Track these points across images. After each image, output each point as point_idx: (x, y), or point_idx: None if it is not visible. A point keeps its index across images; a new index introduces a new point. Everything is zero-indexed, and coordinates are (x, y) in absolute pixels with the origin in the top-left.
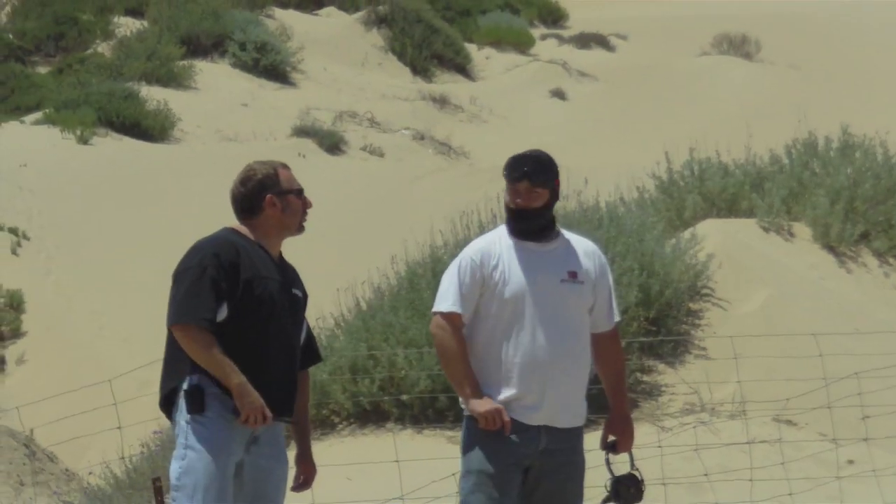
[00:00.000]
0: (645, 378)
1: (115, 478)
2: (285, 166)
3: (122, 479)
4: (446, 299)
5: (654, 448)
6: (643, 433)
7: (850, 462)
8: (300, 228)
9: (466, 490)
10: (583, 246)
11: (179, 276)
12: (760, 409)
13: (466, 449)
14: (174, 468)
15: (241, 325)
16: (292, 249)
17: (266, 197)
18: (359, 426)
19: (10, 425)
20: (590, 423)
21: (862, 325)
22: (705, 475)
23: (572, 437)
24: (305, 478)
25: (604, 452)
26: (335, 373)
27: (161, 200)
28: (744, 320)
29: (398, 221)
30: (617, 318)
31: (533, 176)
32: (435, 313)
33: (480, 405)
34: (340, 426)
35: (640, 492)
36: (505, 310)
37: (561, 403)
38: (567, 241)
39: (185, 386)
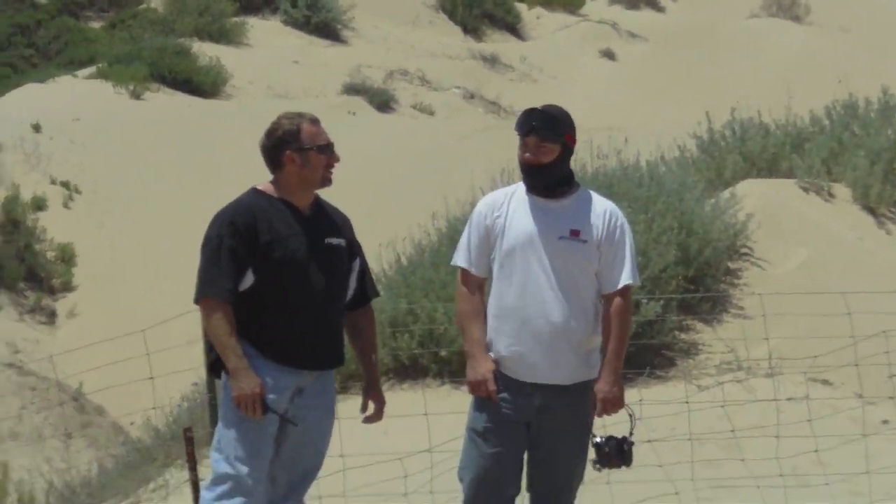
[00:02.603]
0: (682, 336)
1: (154, 429)
2: (313, 121)
3: (162, 431)
4: (458, 253)
5: (682, 404)
6: (676, 391)
7: (885, 422)
8: (324, 183)
9: (463, 446)
10: (599, 205)
11: (202, 248)
12: (794, 367)
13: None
14: (217, 427)
15: (267, 287)
16: (338, 204)
17: (286, 153)
18: (398, 381)
19: (60, 378)
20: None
21: None
22: (732, 431)
23: (572, 395)
24: (375, 410)
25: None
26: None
27: (212, 156)
28: (782, 280)
29: (444, 179)
30: (628, 282)
31: (541, 130)
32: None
33: (470, 371)
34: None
35: (622, 454)
36: (504, 263)
37: (554, 361)
38: (581, 199)
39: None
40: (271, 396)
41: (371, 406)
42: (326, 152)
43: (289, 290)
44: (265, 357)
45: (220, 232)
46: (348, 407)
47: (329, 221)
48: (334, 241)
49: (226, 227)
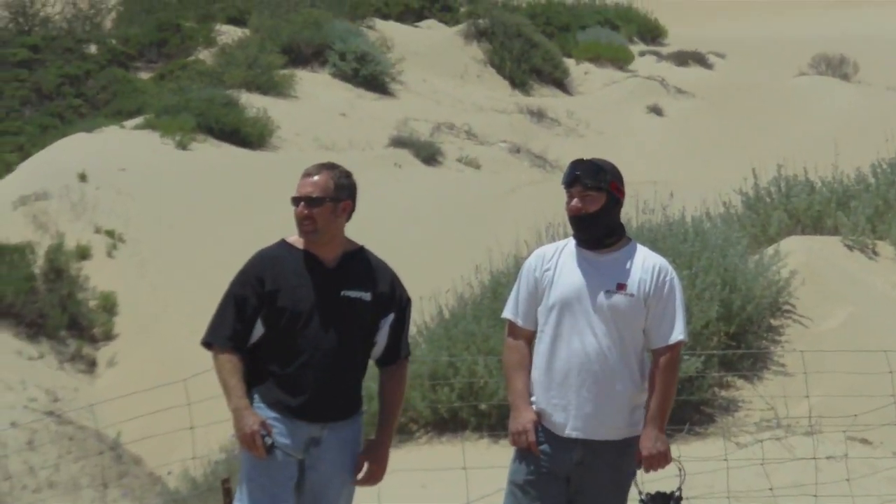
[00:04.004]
0: (722, 393)
1: (191, 480)
2: (307, 172)
3: (199, 481)
4: (507, 306)
5: (720, 461)
6: (715, 448)
7: None
8: (302, 236)
9: (504, 499)
10: (648, 260)
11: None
12: (834, 426)
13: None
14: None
15: (274, 337)
16: (383, 257)
17: None
18: (436, 434)
19: (98, 427)
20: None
21: None
22: (770, 489)
23: (612, 451)
24: (369, 471)
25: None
26: (415, 380)
27: (257, 207)
28: (824, 337)
29: (489, 232)
30: (679, 338)
31: (584, 179)
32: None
33: (512, 422)
34: (418, 433)
35: None
36: (550, 315)
37: (597, 416)
38: (630, 253)
39: None
40: (282, 440)
41: (365, 467)
42: (294, 204)
43: (294, 340)
44: (270, 408)
45: (233, 282)
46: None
47: (355, 274)
48: (354, 293)
49: (237, 277)
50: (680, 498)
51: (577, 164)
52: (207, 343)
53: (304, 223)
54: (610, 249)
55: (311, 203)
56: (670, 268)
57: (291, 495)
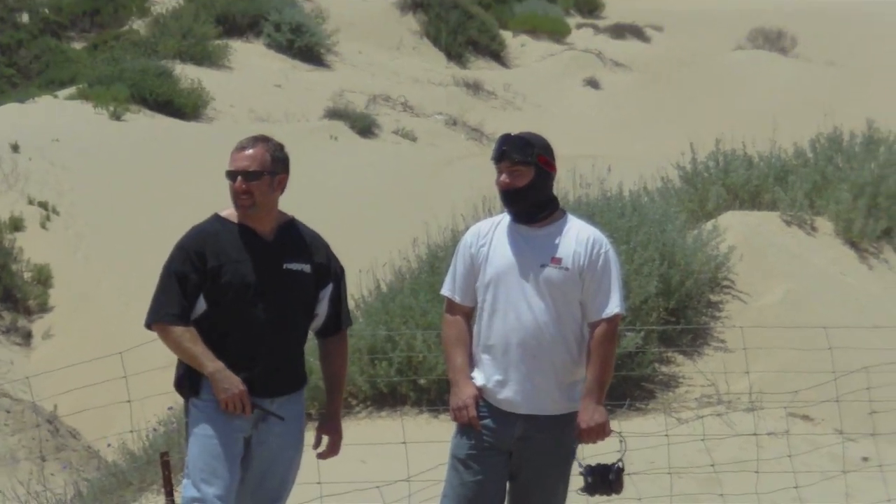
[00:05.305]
0: (662, 368)
1: (130, 453)
2: (240, 146)
3: (137, 455)
4: (445, 282)
5: (661, 437)
6: (656, 424)
7: (865, 459)
8: (239, 210)
9: (446, 474)
10: (583, 233)
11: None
12: (776, 402)
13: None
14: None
15: (218, 313)
16: (317, 229)
17: None
18: (376, 409)
19: (35, 400)
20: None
21: (881, 321)
22: (711, 465)
23: (554, 426)
24: (329, 444)
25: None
26: (353, 354)
27: (192, 178)
28: (764, 313)
29: (425, 205)
30: (615, 311)
31: (512, 153)
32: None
33: (453, 397)
34: (357, 409)
35: (610, 482)
36: (487, 291)
37: (537, 391)
38: (564, 227)
39: (180, 370)
40: (236, 421)
41: (325, 440)
42: (230, 179)
43: (239, 316)
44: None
45: (171, 258)
46: None
47: (293, 246)
48: (295, 266)
49: (175, 253)
50: (621, 469)
51: (505, 139)
52: (154, 322)
53: (241, 198)
54: (544, 223)
55: (249, 177)
56: (605, 240)
57: (238, 471)
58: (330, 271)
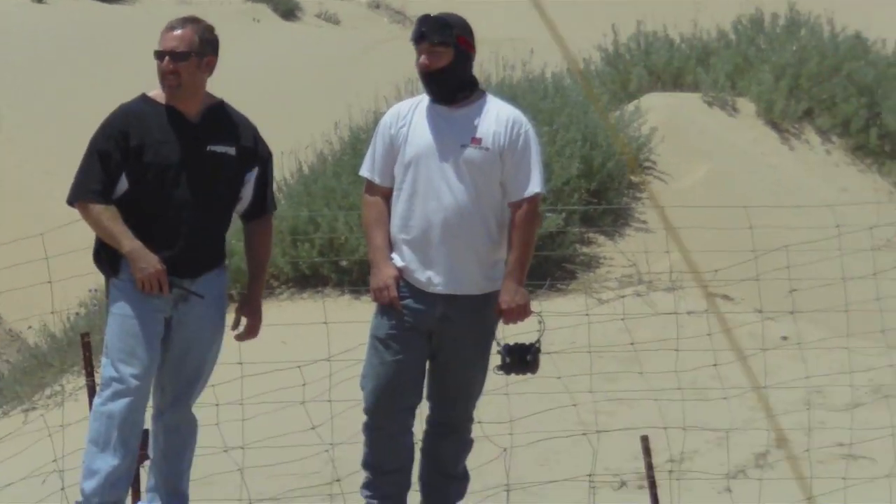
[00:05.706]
0: (584, 249)
1: (51, 335)
2: (170, 26)
3: (58, 336)
4: (364, 163)
5: (582, 317)
6: (577, 304)
7: (784, 338)
8: (166, 91)
9: (366, 354)
10: (503, 113)
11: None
12: (696, 282)
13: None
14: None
15: (139, 193)
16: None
17: None
18: (298, 290)
19: None
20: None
21: (801, 201)
22: (632, 344)
23: (474, 306)
24: (248, 326)
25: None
26: (275, 236)
27: (116, 62)
28: (685, 194)
29: (348, 89)
30: (535, 191)
31: (431, 35)
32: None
33: (373, 278)
34: (279, 290)
35: (527, 363)
36: (407, 172)
37: (456, 270)
38: (484, 107)
39: (97, 243)
40: (155, 301)
41: (244, 322)
42: (158, 59)
43: (160, 196)
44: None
45: (94, 137)
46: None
47: (219, 128)
48: (220, 148)
49: (98, 132)
50: (538, 350)
51: (424, 20)
52: (76, 199)
53: (168, 78)
54: (463, 104)
55: (176, 58)
56: (525, 120)
57: (158, 351)
58: (256, 155)
